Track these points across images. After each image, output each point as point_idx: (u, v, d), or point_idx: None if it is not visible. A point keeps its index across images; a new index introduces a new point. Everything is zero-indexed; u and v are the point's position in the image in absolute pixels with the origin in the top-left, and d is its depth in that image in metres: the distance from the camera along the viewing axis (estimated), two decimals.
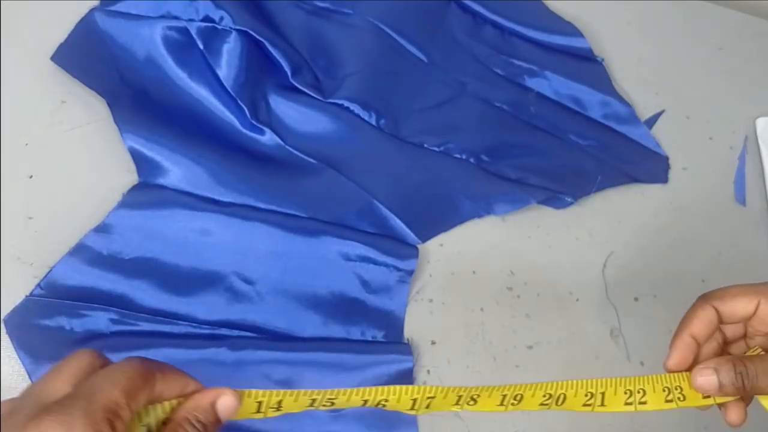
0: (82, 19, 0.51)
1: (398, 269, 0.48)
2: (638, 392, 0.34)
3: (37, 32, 0.50)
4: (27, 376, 0.41)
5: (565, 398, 0.35)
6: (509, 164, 0.54)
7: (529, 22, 0.60)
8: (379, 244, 0.48)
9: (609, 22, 0.64)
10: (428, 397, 0.32)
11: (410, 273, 0.48)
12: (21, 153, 0.47)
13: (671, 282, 0.53)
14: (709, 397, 0.35)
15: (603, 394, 0.34)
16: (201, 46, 0.50)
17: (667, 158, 0.58)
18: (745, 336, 0.38)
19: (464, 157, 0.54)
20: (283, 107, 0.52)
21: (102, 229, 0.45)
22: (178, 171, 0.47)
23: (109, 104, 0.49)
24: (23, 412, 0.23)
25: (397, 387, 0.31)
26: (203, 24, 0.50)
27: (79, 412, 0.22)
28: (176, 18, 0.51)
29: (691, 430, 0.48)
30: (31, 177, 0.47)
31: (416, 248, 0.50)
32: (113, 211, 0.46)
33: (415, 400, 0.31)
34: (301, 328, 0.46)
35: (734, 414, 0.35)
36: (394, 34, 0.56)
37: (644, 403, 0.34)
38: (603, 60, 0.61)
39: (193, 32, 0.50)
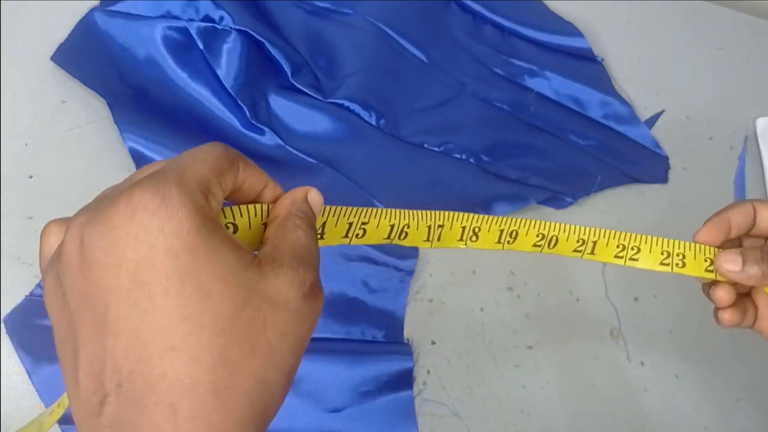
0: (82, 19, 0.51)
1: (398, 269, 0.48)
2: (632, 249, 0.34)
3: (37, 32, 0.50)
4: (27, 376, 0.41)
5: (557, 241, 0.34)
6: (509, 164, 0.54)
7: (529, 22, 0.61)
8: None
9: (609, 22, 0.64)
10: (439, 226, 0.31)
11: (410, 273, 0.48)
12: (21, 153, 0.47)
13: (671, 282, 0.53)
14: (712, 272, 0.34)
15: (594, 243, 0.34)
16: (201, 46, 0.50)
17: (667, 158, 0.58)
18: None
19: (464, 157, 0.54)
20: (283, 107, 0.52)
21: None
22: None
23: (109, 104, 0.49)
24: (120, 186, 0.23)
25: (416, 212, 0.31)
26: (203, 24, 0.50)
27: (172, 183, 0.21)
28: (176, 18, 0.51)
29: (691, 429, 0.47)
30: (31, 177, 0.47)
31: (416, 248, 0.50)
32: None
33: (429, 228, 0.31)
34: None
35: (728, 314, 0.35)
36: (394, 34, 0.56)
37: (635, 260, 0.34)
38: (603, 60, 0.61)
39: (193, 32, 0.50)
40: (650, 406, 0.48)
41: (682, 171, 0.58)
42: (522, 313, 0.49)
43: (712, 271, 0.34)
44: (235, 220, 0.25)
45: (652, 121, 0.60)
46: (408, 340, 0.47)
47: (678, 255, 0.34)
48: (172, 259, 0.20)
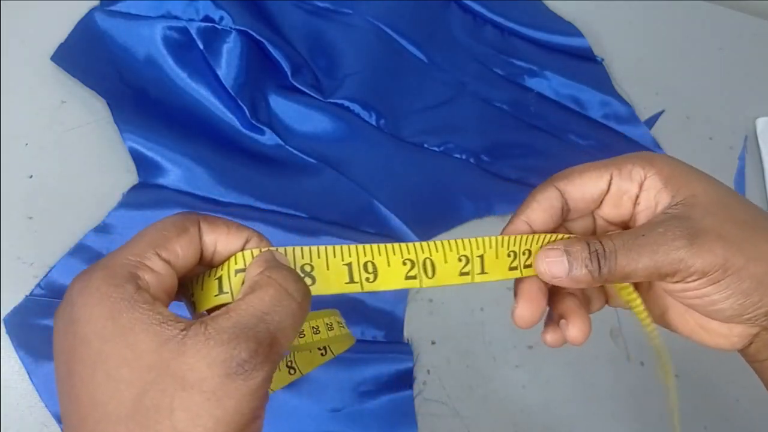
0: (82, 19, 0.51)
1: None
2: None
3: (37, 32, 0.50)
4: (27, 376, 0.41)
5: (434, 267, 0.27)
6: (509, 164, 0.54)
7: (529, 22, 0.61)
8: None
9: (609, 22, 0.64)
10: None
11: None
12: (21, 153, 0.47)
13: None
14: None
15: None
16: (201, 46, 0.50)
17: None
18: (594, 233, 0.31)
19: (464, 157, 0.54)
20: (283, 107, 0.52)
21: (102, 229, 0.45)
22: (178, 171, 0.47)
23: (109, 104, 0.49)
24: None
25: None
26: (203, 24, 0.50)
27: (96, 270, 0.22)
28: (176, 18, 0.51)
29: (691, 429, 0.48)
30: (31, 177, 0.47)
31: None
32: (113, 211, 0.46)
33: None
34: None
35: (576, 329, 0.30)
36: (394, 34, 0.56)
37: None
38: (603, 60, 0.61)
39: (193, 32, 0.50)
40: (650, 406, 0.48)
41: None
42: None
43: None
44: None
45: (652, 121, 0.60)
46: (408, 340, 0.47)
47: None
48: (86, 347, 0.21)
